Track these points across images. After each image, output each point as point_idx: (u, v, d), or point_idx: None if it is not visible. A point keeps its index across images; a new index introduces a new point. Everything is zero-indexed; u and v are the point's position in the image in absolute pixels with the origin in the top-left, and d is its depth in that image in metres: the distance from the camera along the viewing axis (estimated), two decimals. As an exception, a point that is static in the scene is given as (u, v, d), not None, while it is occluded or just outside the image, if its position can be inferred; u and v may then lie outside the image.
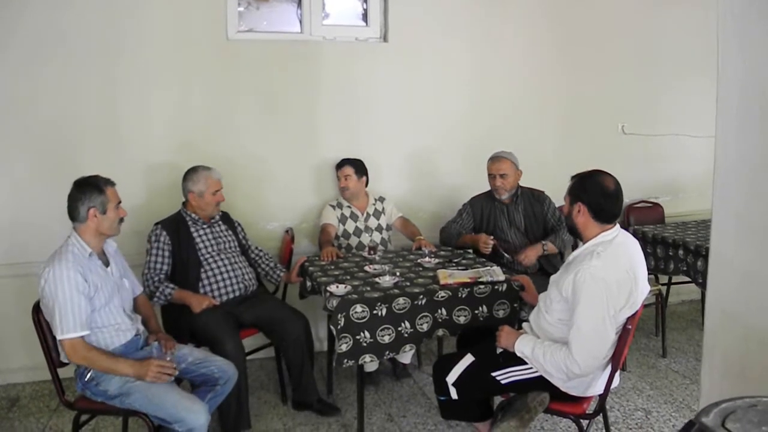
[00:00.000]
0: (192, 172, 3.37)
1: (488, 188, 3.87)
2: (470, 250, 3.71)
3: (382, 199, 4.07)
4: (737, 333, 1.99)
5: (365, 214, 3.95)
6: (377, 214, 3.99)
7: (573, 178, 2.50)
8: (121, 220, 2.64)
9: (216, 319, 3.09)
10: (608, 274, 2.27)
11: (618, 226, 2.44)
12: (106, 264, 2.63)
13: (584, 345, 2.28)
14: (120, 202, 2.62)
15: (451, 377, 2.56)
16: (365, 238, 3.89)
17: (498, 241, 3.68)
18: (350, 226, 3.90)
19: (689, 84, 4.69)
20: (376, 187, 4.11)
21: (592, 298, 2.26)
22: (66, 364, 2.54)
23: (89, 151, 3.65)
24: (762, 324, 1.89)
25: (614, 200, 2.40)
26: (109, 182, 2.60)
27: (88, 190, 2.52)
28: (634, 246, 2.44)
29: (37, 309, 2.53)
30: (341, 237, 3.89)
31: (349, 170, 3.90)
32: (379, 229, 3.96)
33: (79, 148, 3.65)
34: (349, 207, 3.93)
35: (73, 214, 2.53)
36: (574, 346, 2.29)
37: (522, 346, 2.45)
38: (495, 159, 3.77)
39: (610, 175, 2.45)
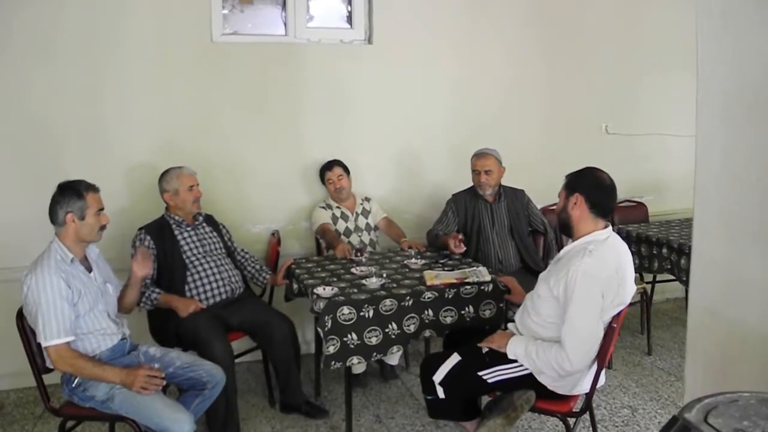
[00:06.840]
0: (164, 173, 3.39)
1: (470, 185, 3.87)
2: None
3: (368, 199, 4.07)
4: (719, 330, 2.02)
5: (355, 214, 3.95)
6: (365, 213, 4.00)
7: (568, 175, 2.55)
8: (103, 227, 2.59)
9: (203, 323, 3.08)
10: (599, 271, 2.30)
11: (611, 227, 2.48)
12: (89, 269, 2.60)
13: (577, 342, 2.30)
14: (102, 208, 2.58)
15: (438, 376, 2.57)
16: (355, 239, 3.89)
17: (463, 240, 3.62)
18: (341, 226, 3.89)
19: (672, 84, 4.73)
20: (361, 188, 4.11)
21: (584, 296, 2.29)
22: (51, 370, 2.51)
23: (72, 154, 3.62)
24: (743, 321, 1.91)
25: (609, 193, 2.46)
26: (91, 188, 2.56)
27: (68, 193, 2.50)
28: (623, 248, 2.47)
29: (20, 315, 2.50)
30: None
31: (340, 170, 3.91)
32: (368, 228, 3.97)
33: (62, 151, 3.62)
34: (338, 207, 3.93)
35: (52, 216, 2.51)
36: (567, 344, 2.31)
37: (514, 347, 2.47)
38: (480, 155, 3.79)
39: (604, 171, 2.53)
